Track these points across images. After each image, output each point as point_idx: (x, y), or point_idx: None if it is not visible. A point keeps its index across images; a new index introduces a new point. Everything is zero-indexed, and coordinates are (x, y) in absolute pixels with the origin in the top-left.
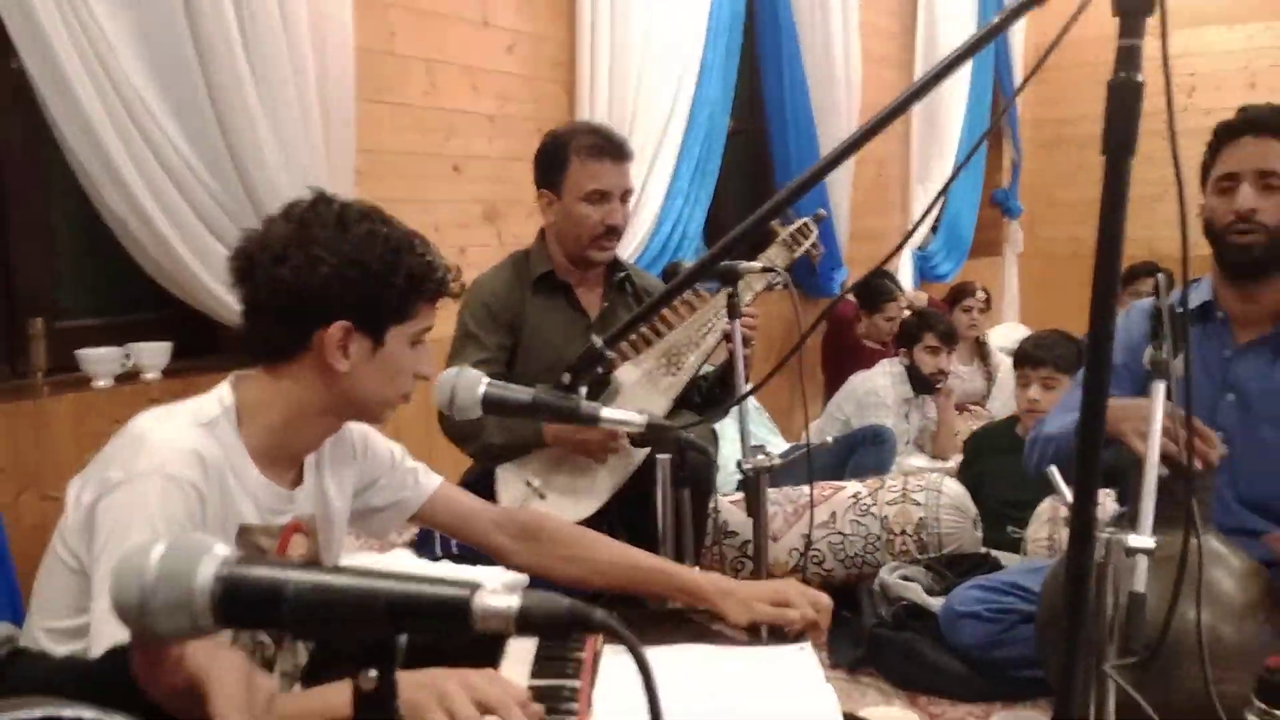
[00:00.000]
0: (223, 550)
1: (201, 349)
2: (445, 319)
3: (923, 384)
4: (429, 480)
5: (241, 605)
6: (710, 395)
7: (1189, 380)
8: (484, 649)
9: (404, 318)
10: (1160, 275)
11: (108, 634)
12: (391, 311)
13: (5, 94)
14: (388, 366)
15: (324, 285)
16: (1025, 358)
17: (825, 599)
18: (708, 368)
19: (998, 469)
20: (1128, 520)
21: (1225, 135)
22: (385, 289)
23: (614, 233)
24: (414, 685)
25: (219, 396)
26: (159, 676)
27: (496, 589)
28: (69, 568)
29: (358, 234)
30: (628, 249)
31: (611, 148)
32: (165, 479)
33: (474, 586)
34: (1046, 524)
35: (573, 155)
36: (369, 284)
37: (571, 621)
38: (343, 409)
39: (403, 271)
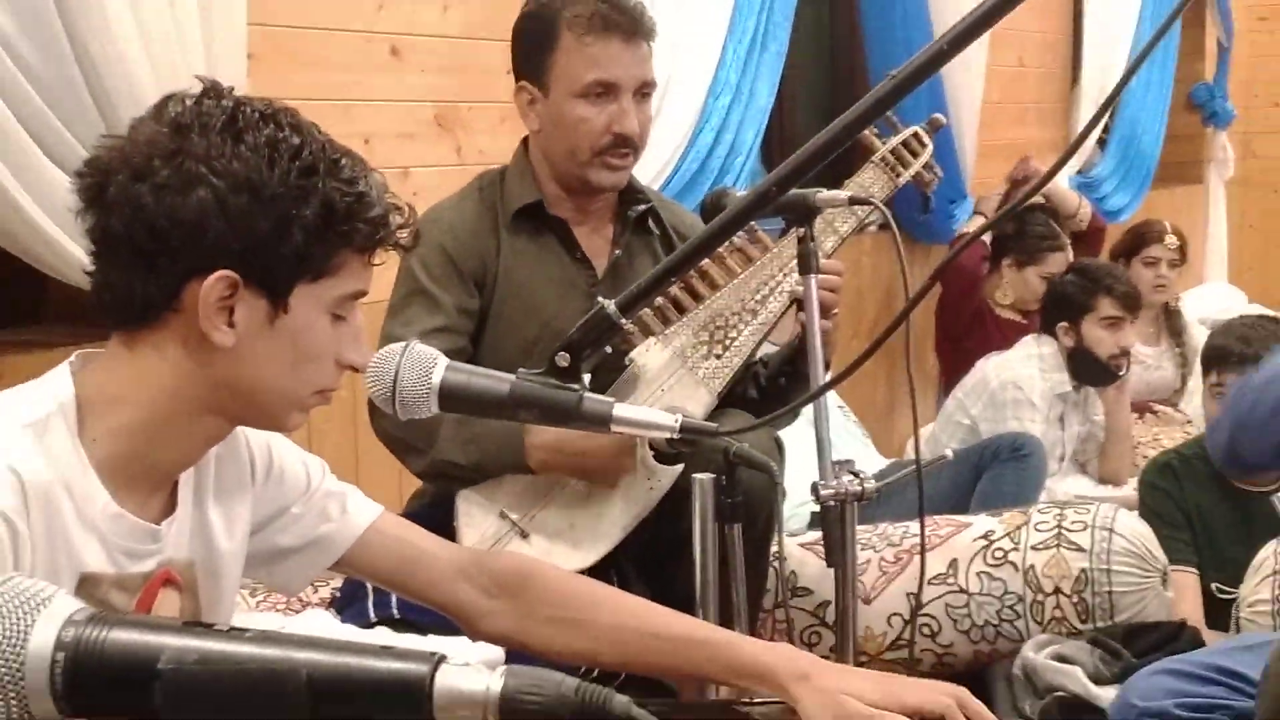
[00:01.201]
0: (67, 604)
1: (20, 316)
2: (383, 274)
3: (1099, 372)
4: (363, 510)
5: (97, 684)
6: (772, 387)
7: None
8: None
9: (319, 272)
10: None
11: None
12: (299, 261)
13: None
14: (293, 343)
15: (200, 215)
16: (1222, 357)
17: (960, 691)
18: (768, 347)
19: (1196, 503)
20: None
21: None
22: (288, 226)
23: (625, 144)
24: None
25: (53, 387)
26: None
27: (468, 663)
28: None
29: (254, 144)
30: (650, 171)
31: (621, 18)
32: None
33: (435, 659)
34: (1270, 580)
35: (564, 30)
36: (264, 218)
37: (579, 713)
38: (227, 404)
39: (316, 202)
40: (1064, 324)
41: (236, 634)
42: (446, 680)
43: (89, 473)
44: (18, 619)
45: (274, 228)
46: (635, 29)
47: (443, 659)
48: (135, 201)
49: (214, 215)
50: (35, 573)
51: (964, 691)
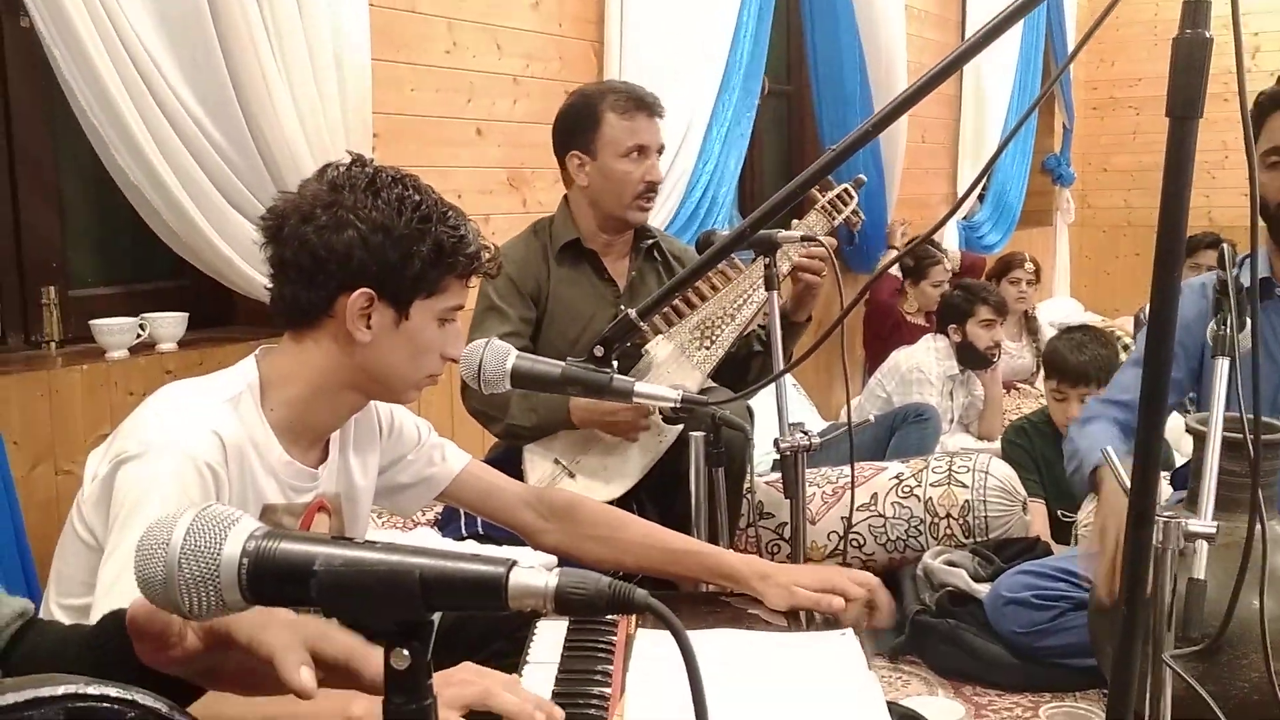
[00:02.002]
0: (250, 523)
1: (218, 320)
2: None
3: (978, 359)
4: (457, 457)
5: (270, 581)
6: (746, 365)
7: (1257, 356)
8: (513, 629)
9: (431, 291)
10: (1226, 245)
11: (112, 603)
12: (416, 283)
13: (16, 54)
14: (412, 342)
15: (348, 248)
16: (1062, 370)
17: (873, 579)
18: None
19: (1043, 454)
20: (1186, 504)
21: (1269, 105)
22: (410, 258)
23: (654, 190)
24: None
25: (243, 371)
26: (167, 654)
27: (533, 566)
28: (85, 544)
29: (387, 199)
30: (656, 217)
31: (645, 103)
32: (182, 457)
33: (509, 563)
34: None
35: (606, 112)
36: (394, 251)
37: (612, 602)
38: (365, 384)
39: (429, 241)
40: (953, 325)
41: (369, 545)
42: (518, 578)
43: (269, 433)
44: (214, 534)
45: (400, 258)
46: (655, 109)
47: (515, 563)
48: (303, 238)
49: (358, 248)
50: (231, 505)
51: (876, 580)
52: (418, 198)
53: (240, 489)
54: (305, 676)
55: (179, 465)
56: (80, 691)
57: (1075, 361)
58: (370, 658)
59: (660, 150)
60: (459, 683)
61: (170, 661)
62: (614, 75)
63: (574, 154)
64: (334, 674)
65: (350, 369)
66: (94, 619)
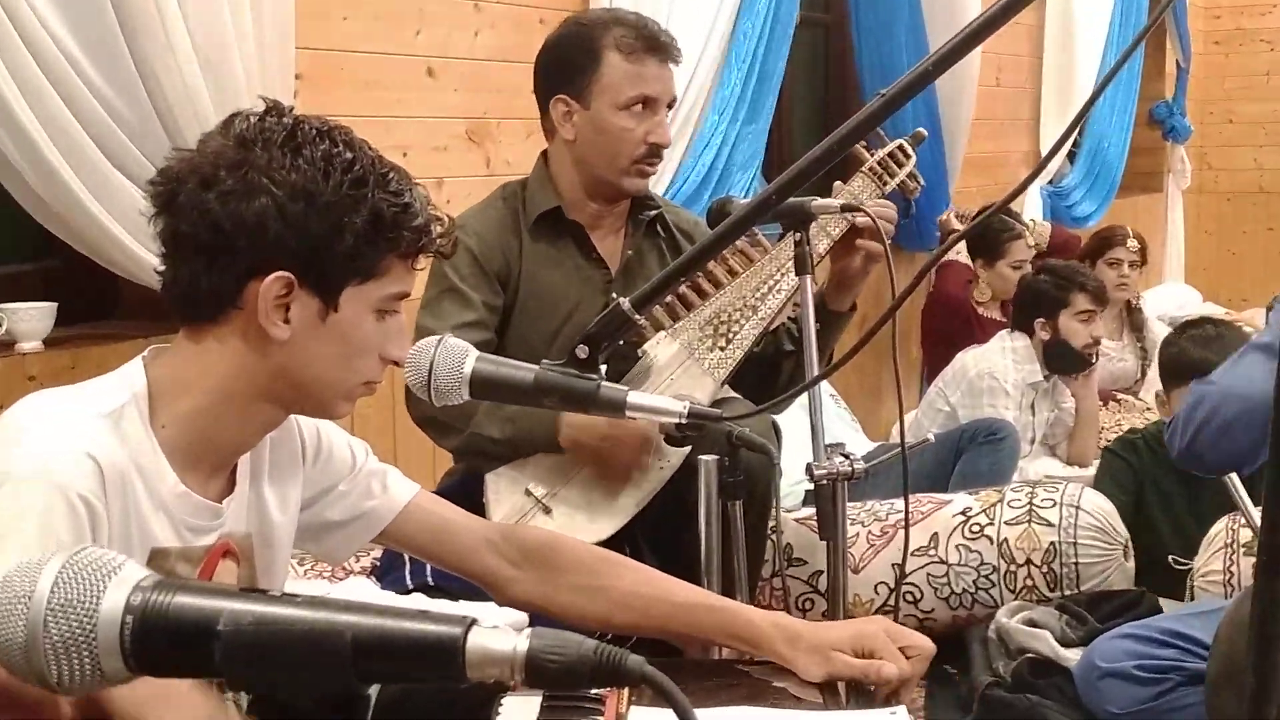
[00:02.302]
0: (136, 571)
1: (95, 312)
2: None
3: (1073, 361)
4: (401, 487)
5: (162, 644)
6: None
7: None
8: (472, 709)
9: (367, 275)
10: None
11: None
12: (348, 264)
13: None
14: (342, 339)
15: (260, 220)
16: (1187, 374)
17: (925, 643)
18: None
19: (1154, 480)
20: None
21: None
22: (340, 232)
23: (658, 154)
24: None
25: (127, 378)
26: None
27: (497, 625)
28: None
29: (310, 157)
30: (656, 181)
31: (660, 42)
32: (48, 488)
33: (467, 622)
34: (1221, 553)
35: (607, 51)
36: (319, 223)
37: (598, 671)
38: (283, 393)
39: (365, 211)
40: (1041, 319)
41: (288, 599)
42: (478, 641)
43: (159, 456)
44: (91, 585)
45: (327, 233)
46: (670, 52)
47: (474, 622)
48: (202, 206)
49: (273, 220)
50: (112, 548)
51: (928, 643)
52: (350, 155)
53: (122, 528)
54: None
55: (45, 499)
56: None
57: (1200, 358)
58: None
59: (671, 104)
60: None
61: None
62: (605, 1)
63: (561, 99)
64: None
65: (264, 374)
66: None
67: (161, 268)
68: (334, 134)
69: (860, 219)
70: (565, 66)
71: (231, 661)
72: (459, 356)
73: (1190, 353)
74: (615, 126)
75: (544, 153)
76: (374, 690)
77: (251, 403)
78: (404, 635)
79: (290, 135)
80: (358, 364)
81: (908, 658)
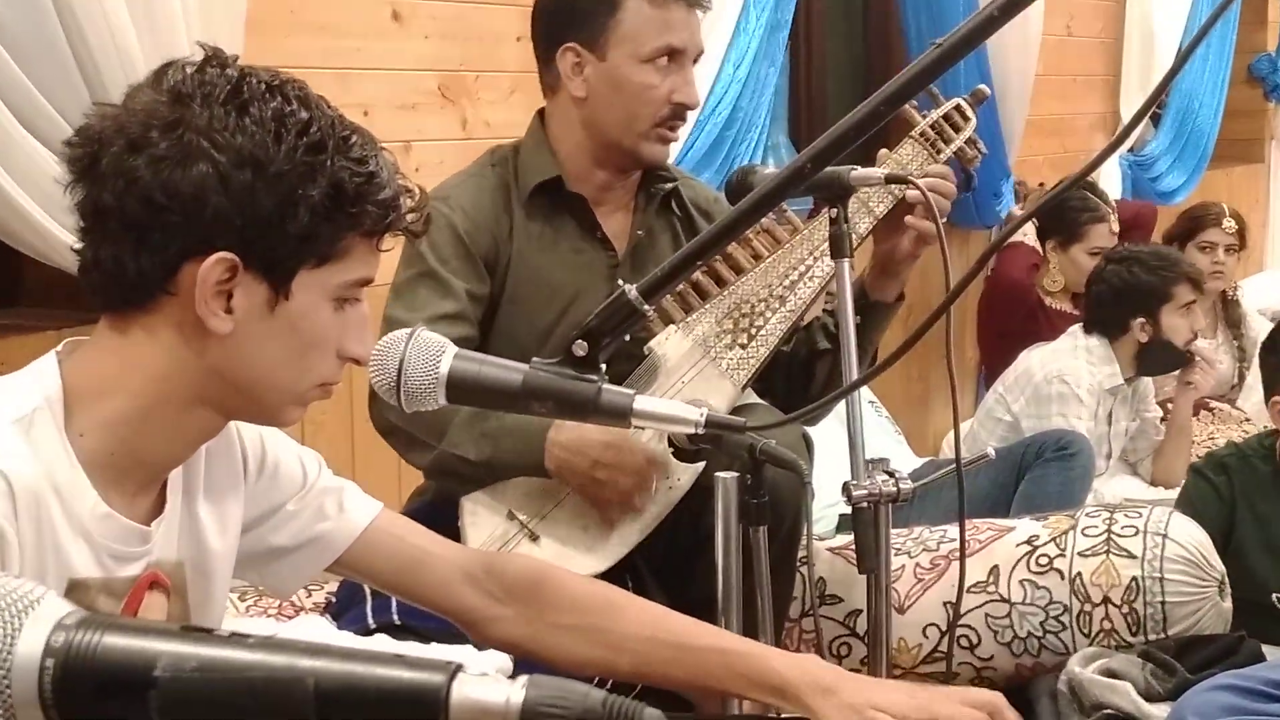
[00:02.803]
0: (58, 606)
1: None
2: (388, 256)
3: (1174, 361)
4: (361, 507)
5: (89, 692)
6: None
7: None
8: None
9: (324, 257)
10: None
11: None
12: (302, 244)
13: None
14: (294, 332)
15: (198, 190)
16: None
17: (997, 699)
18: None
19: (1252, 506)
20: None
21: None
22: (293, 206)
23: (683, 115)
24: None
25: (39, 377)
26: None
27: (486, 673)
28: None
29: (259, 117)
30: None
31: None
32: None
33: (451, 668)
34: None
35: None
36: (268, 196)
37: None
38: (222, 396)
39: (324, 181)
40: (1141, 319)
41: (238, 640)
42: (464, 691)
43: (77, 471)
44: (4, 623)
45: (278, 207)
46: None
47: (460, 668)
48: (130, 174)
49: (214, 191)
50: (23, 577)
51: (1000, 698)
52: (305, 115)
53: (36, 558)
54: None
55: None
56: None
57: None
58: None
59: (698, 59)
60: None
61: None
62: None
63: (571, 48)
64: None
65: (199, 373)
66: None
67: (79, 246)
68: (287, 89)
69: (910, 192)
70: (576, 9)
71: (172, 713)
72: (434, 353)
73: None
74: (636, 82)
75: (540, 112)
76: None
77: (185, 407)
78: (376, 684)
79: (235, 90)
80: (311, 361)
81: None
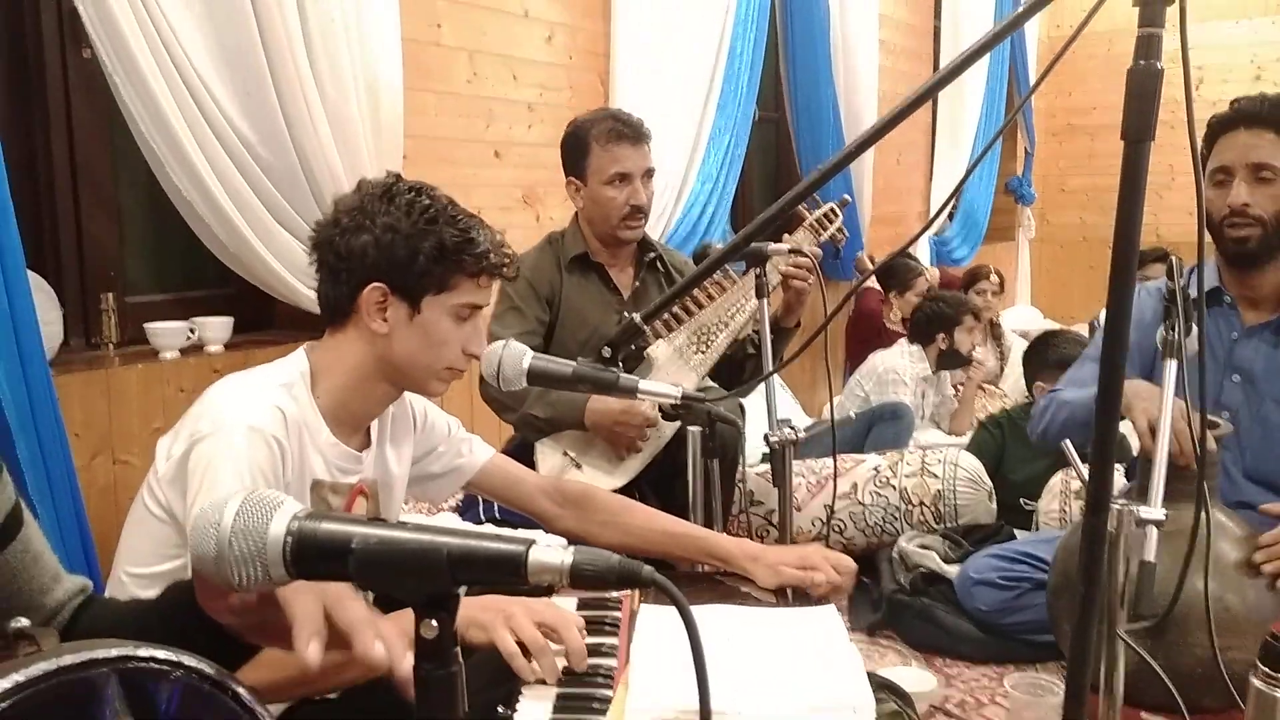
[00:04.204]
0: (293, 506)
1: (260, 324)
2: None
3: (960, 361)
4: (483, 450)
5: (311, 557)
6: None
7: (1204, 358)
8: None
9: (440, 287)
10: (1174, 258)
11: None
12: (424, 278)
13: (79, 81)
14: (425, 334)
15: (363, 248)
16: (1051, 363)
17: (849, 562)
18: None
19: (1015, 451)
20: (1137, 493)
21: (1219, 128)
22: (416, 254)
23: (639, 211)
24: (478, 607)
25: (295, 361)
26: (225, 601)
27: (550, 545)
28: (156, 518)
29: (399, 204)
30: (659, 229)
31: (629, 131)
32: (250, 430)
33: (528, 542)
34: (1058, 497)
35: (593, 142)
36: (402, 249)
37: (621, 576)
38: (392, 374)
39: (432, 240)
40: (943, 334)
41: (401, 525)
42: (536, 555)
43: (318, 416)
44: (261, 515)
45: (407, 255)
46: (639, 136)
47: (533, 543)
48: (330, 241)
49: (371, 248)
50: (289, 475)
51: (849, 561)
52: (427, 201)
53: (298, 462)
54: (312, 652)
55: (249, 437)
56: (131, 654)
57: (1058, 357)
58: (368, 636)
59: (648, 174)
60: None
61: (227, 610)
62: (620, 103)
63: (571, 180)
64: (338, 641)
65: (376, 359)
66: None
67: (316, 287)
68: (422, 189)
69: (800, 260)
70: (569, 157)
71: (362, 570)
72: (520, 355)
73: (1054, 353)
74: (604, 196)
75: (576, 213)
76: (462, 591)
77: (373, 381)
78: (485, 551)
79: (387, 190)
80: (440, 353)
81: (838, 574)
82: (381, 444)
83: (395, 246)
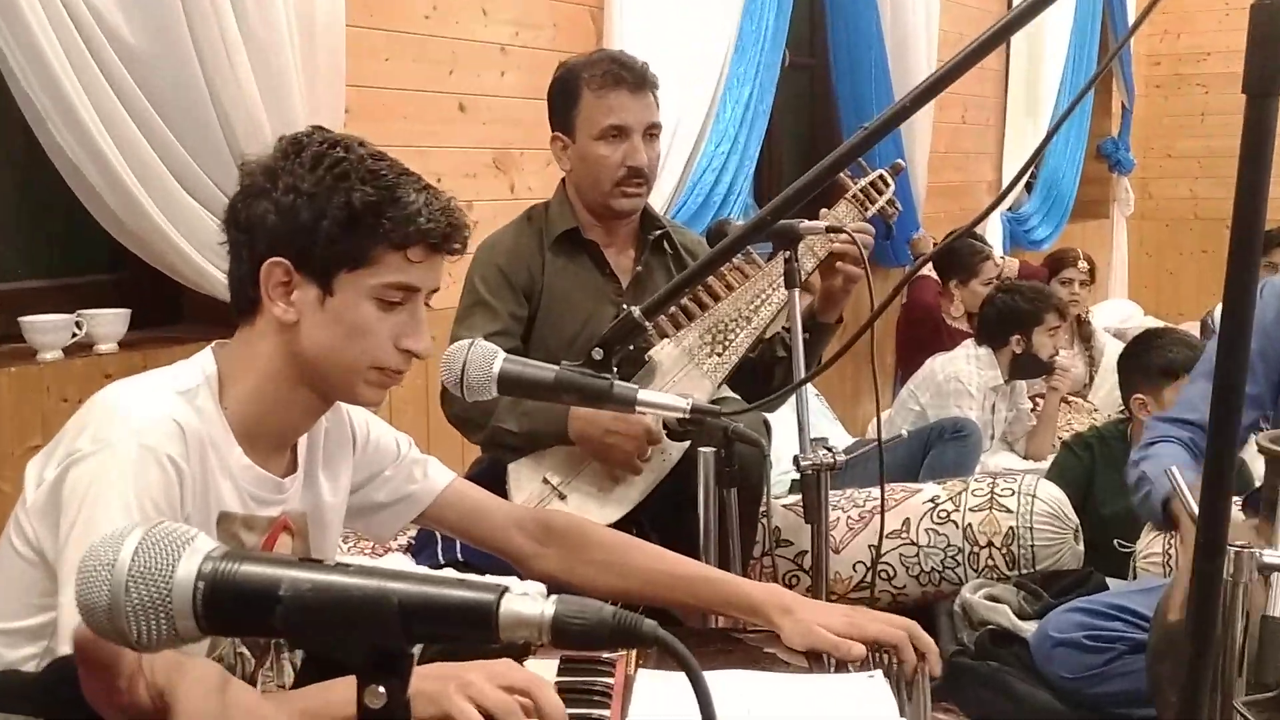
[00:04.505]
0: (206, 543)
1: (163, 317)
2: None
3: (1040, 368)
4: (441, 474)
5: (229, 607)
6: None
7: None
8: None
9: (355, 262)
10: None
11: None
12: (332, 250)
13: None
14: (340, 322)
15: (262, 215)
16: (1155, 371)
17: (909, 624)
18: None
19: (1106, 479)
20: (1260, 533)
21: None
22: (321, 219)
23: (638, 175)
24: (430, 676)
25: (199, 364)
26: (113, 696)
27: (526, 593)
28: (25, 560)
29: (306, 158)
30: (662, 203)
31: (629, 75)
32: (142, 449)
33: (500, 589)
34: (1161, 537)
35: (584, 88)
36: (306, 212)
37: (615, 632)
38: (310, 376)
39: (339, 199)
40: (1017, 335)
41: (342, 568)
42: (510, 606)
43: (227, 430)
44: (166, 554)
45: (311, 220)
46: (641, 82)
47: (506, 589)
48: (232, 209)
49: (271, 213)
50: (190, 506)
51: (914, 625)
52: (340, 154)
53: (200, 489)
54: None
55: (139, 459)
56: None
57: (1164, 361)
58: None
59: (652, 130)
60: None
61: (117, 708)
62: (615, 44)
63: (556, 136)
64: None
65: (290, 357)
66: (62, 645)
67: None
68: (343, 141)
69: (843, 239)
70: (556, 107)
71: (291, 623)
72: (489, 357)
73: (1158, 357)
74: (594, 155)
75: (563, 180)
76: (417, 650)
77: (291, 385)
78: (445, 600)
79: (296, 143)
80: (361, 346)
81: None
82: (312, 467)
83: (297, 210)
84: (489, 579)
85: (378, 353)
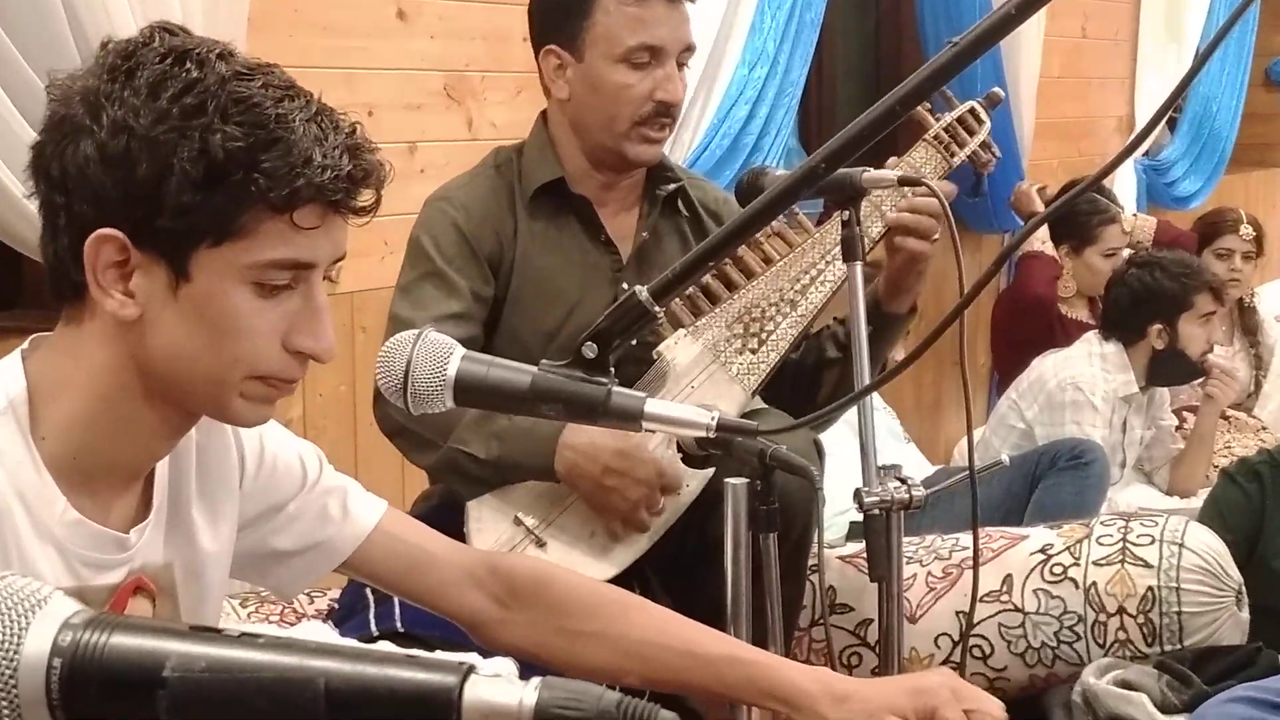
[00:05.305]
0: (65, 605)
1: (1, 299)
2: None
3: (1189, 372)
4: (366, 509)
5: (95, 694)
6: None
7: None
8: None
9: (221, 233)
10: None
11: None
12: (185, 218)
13: None
14: (200, 317)
15: (81, 166)
16: None
17: (997, 707)
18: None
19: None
20: None
21: None
22: (163, 175)
23: (668, 113)
24: None
25: (2, 379)
26: None
27: (498, 674)
28: None
29: (140, 82)
30: (678, 150)
31: None
32: None
33: (464, 669)
34: None
35: None
36: (147, 166)
37: None
38: (162, 389)
39: (194, 145)
40: (1159, 325)
41: (248, 640)
42: (476, 692)
43: (43, 475)
44: (11, 621)
45: (153, 176)
46: None
47: (472, 669)
48: (39, 152)
49: (94, 163)
50: None
51: (999, 708)
52: (192, 75)
53: (1, 566)
54: None
55: None
56: None
57: None
58: None
59: (687, 54)
60: None
61: None
62: None
63: (551, 50)
64: None
65: (132, 367)
66: None
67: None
68: (194, 53)
69: (920, 195)
70: (555, 10)
71: (181, 713)
72: (442, 355)
73: None
74: (612, 82)
75: (543, 113)
76: None
77: (137, 401)
78: (388, 684)
79: (126, 56)
80: (233, 348)
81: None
82: (177, 505)
83: (132, 160)
84: (442, 656)
85: (257, 357)
